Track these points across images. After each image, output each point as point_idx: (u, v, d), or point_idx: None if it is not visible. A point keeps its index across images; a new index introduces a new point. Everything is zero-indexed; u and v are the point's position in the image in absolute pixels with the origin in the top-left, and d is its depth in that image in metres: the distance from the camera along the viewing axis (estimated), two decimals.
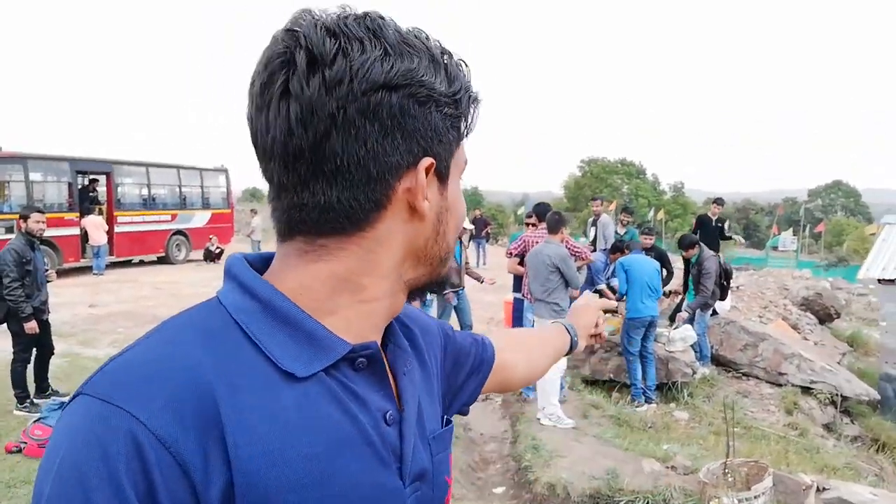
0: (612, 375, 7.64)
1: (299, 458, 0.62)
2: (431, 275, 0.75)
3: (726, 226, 10.52)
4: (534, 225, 7.50)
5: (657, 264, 7.40)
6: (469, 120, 0.73)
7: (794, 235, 40.77)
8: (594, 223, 10.17)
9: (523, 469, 5.19)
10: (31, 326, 5.78)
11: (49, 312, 6.28)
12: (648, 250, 8.57)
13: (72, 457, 0.55)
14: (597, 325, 1.42)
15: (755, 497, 4.32)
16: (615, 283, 8.56)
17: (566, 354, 1.34)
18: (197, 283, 14.17)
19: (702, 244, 8.23)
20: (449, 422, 0.87)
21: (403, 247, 0.71)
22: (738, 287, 12.13)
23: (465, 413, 1.02)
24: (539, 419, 6.08)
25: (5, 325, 5.89)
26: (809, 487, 4.67)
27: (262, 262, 0.74)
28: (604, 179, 60.31)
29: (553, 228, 6.44)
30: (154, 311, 10.86)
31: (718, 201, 10.90)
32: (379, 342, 0.74)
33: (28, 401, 6.00)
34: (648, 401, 7.15)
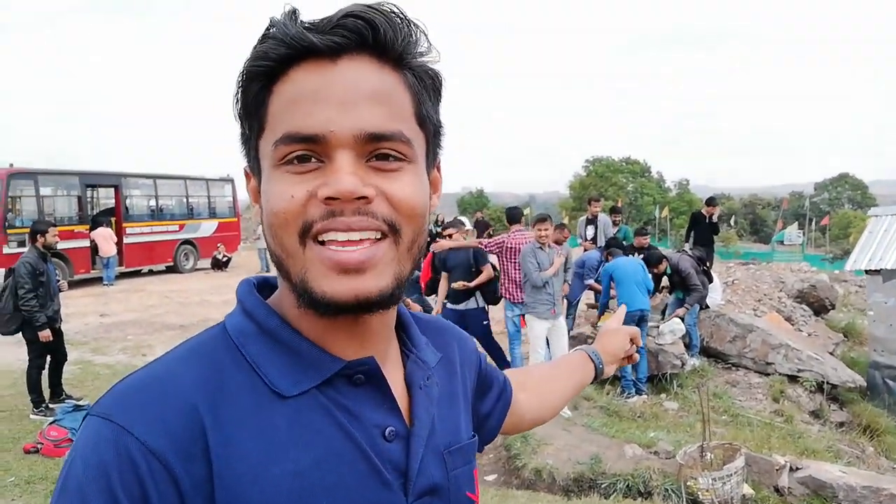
0: None
1: (285, 474, 0.63)
2: (292, 288, 0.68)
3: (715, 218, 10.84)
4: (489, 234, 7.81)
5: (642, 262, 7.65)
6: (240, 101, 0.69)
7: (800, 229, 40.77)
8: (590, 222, 10.41)
9: (513, 457, 5.46)
10: (45, 335, 6.08)
11: (62, 321, 6.59)
12: (644, 249, 8.82)
13: (74, 470, 0.60)
14: (631, 345, 1.32)
15: (728, 476, 4.56)
16: (594, 283, 8.83)
17: (592, 382, 1.27)
18: (204, 291, 14.49)
19: (666, 256, 8.50)
20: (473, 435, 0.85)
21: None
22: (733, 281, 12.34)
23: (479, 451, 0.93)
24: None
25: (21, 333, 6.20)
26: (782, 467, 4.92)
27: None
28: (608, 178, 60.36)
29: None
30: (163, 319, 11.19)
31: (710, 202, 11.18)
32: (382, 356, 0.73)
33: (43, 405, 6.29)
34: (639, 392, 7.39)
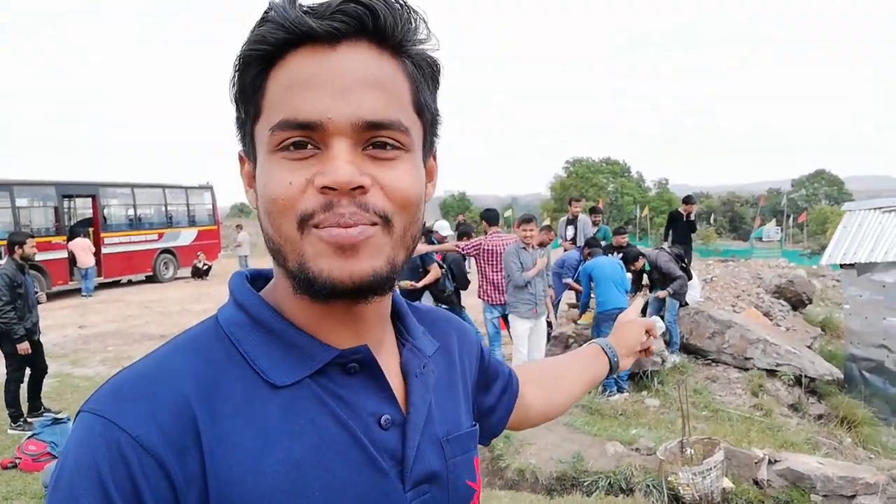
0: None
1: (278, 464, 0.63)
2: (288, 274, 0.67)
3: (693, 216, 11.04)
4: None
5: (620, 262, 7.74)
6: (236, 84, 0.68)
7: (778, 226, 41.32)
8: (570, 222, 10.50)
9: (496, 458, 5.48)
10: (24, 347, 6.01)
11: (40, 333, 6.52)
12: (622, 248, 8.92)
13: (65, 467, 0.60)
14: (648, 336, 1.28)
15: (707, 470, 4.62)
16: (573, 283, 8.91)
17: (608, 376, 1.23)
18: (185, 300, 14.38)
19: (644, 253, 8.59)
20: (473, 424, 0.84)
21: None
22: (712, 278, 12.48)
23: (485, 444, 0.95)
24: None
25: None
26: (761, 460, 4.98)
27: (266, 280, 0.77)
28: (589, 179, 60.80)
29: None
30: (143, 330, 11.08)
31: (687, 200, 11.37)
32: (377, 345, 0.73)
33: (21, 420, 6.21)
34: (620, 390, 7.45)
